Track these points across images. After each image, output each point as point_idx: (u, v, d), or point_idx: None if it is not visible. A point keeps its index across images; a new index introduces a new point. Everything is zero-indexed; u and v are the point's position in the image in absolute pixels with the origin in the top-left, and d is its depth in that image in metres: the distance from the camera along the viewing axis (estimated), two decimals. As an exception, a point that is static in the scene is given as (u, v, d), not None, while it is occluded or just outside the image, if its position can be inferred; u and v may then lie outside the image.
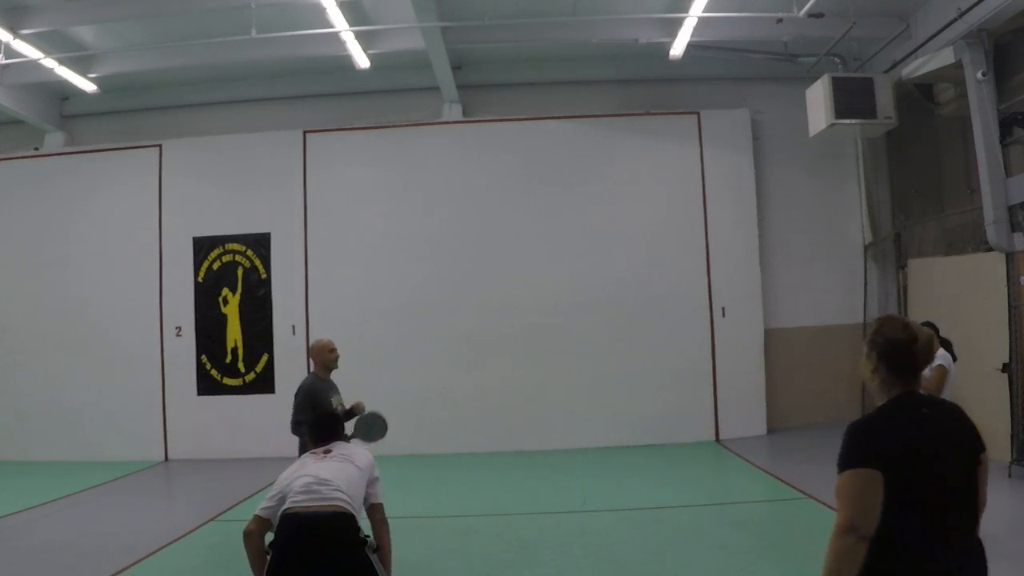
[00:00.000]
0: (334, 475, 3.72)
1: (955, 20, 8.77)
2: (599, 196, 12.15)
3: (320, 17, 9.71)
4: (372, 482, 4.05)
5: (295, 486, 3.64)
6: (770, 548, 6.47)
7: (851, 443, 2.53)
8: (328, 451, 3.99)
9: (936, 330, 6.32)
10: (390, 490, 7.57)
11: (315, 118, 12.58)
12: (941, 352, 6.20)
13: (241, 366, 12.26)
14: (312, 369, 6.76)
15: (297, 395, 6.45)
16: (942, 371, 6.09)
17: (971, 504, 2.56)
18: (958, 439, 2.57)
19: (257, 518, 3.73)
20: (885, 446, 2.48)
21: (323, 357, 6.65)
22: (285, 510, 3.58)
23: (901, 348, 2.57)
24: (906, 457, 2.46)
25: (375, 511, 4.03)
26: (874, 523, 2.43)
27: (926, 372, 6.19)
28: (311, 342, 6.72)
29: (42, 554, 7.02)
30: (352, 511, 3.66)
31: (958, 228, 10.43)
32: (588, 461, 10.74)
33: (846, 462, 2.51)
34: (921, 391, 2.65)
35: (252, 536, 3.72)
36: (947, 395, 6.14)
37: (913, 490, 2.44)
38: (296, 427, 6.36)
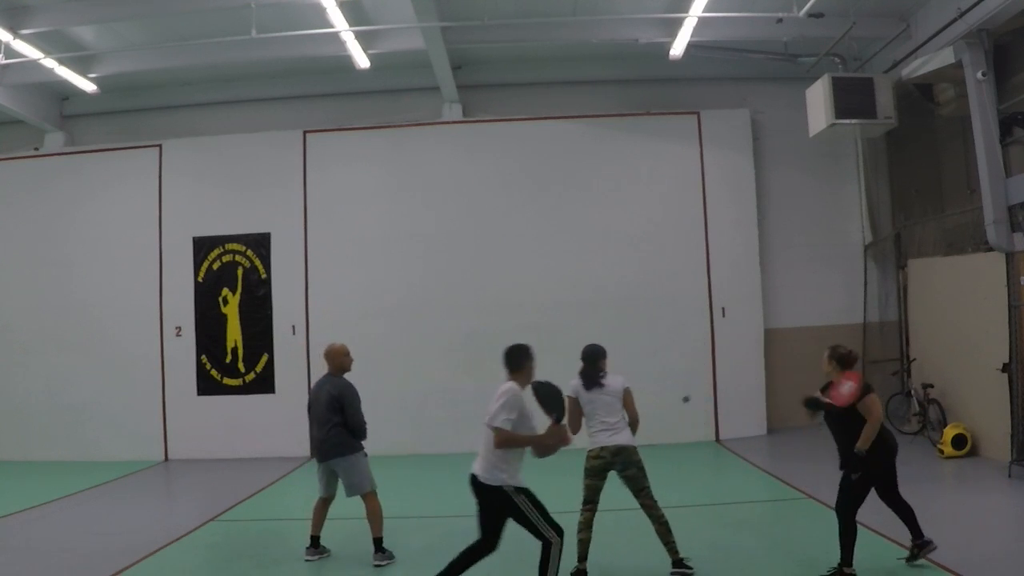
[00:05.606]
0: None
1: (955, 20, 8.77)
2: (599, 196, 12.16)
3: (320, 17, 9.72)
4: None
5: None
6: (770, 548, 6.47)
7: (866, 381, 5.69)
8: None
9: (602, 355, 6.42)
10: (390, 490, 7.57)
11: (315, 118, 12.58)
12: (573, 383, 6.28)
13: (241, 366, 12.26)
14: (329, 371, 6.73)
15: (348, 397, 6.49)
16: (571, 401, 6.11)
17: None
18: None
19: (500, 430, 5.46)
20: None
21: (340, 361, 6.72)
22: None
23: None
24: None
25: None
26: None
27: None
28: (329, 345, 6.79)
29: (42, 554, 7.01)
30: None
31: (958, 228, 10.43)
32: (588, 461, 10.71)
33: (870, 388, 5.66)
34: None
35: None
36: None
37: None
38: (363, 430, 6.53)
